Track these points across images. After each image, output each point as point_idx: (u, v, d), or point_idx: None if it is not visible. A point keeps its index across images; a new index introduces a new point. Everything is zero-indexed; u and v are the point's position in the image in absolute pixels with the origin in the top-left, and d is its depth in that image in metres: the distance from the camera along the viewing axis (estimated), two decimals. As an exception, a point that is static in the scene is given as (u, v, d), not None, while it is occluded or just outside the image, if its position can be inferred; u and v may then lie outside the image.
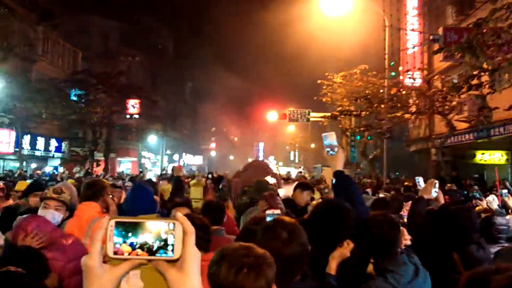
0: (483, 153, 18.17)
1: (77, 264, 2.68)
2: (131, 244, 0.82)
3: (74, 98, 22.88)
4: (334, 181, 2.69)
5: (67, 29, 18.87)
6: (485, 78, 9.73)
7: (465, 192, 11.28)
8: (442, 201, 3.84)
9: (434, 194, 3.82)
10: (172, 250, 0.83)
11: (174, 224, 0.84)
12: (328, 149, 2.69)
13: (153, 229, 0.82)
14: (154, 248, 0.82)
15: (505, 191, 7.57)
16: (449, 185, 11.27)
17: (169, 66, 42.21)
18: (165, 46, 42.17)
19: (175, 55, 43.21)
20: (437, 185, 3.95)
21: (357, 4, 19.14)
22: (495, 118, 13.75)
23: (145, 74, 37.20)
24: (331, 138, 2.72)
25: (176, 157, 44.65)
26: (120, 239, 0.82)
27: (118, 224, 0.83)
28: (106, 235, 0.82)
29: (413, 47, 17.87)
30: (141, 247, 0.82)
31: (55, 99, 19.64)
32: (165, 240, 0.83)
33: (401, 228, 2.31)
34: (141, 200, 3.63)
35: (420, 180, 5.98)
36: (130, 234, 0.82)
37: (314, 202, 2.16)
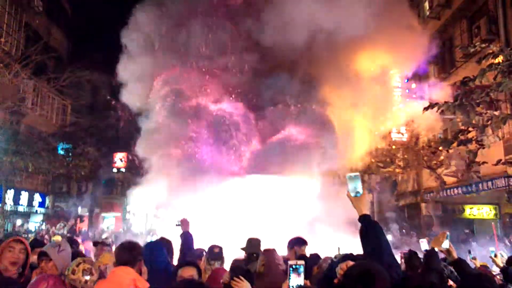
0: (471, 208, 18.22)
1: None
2: None
3: (61, 152, 22.63)
4: (360, 227, 2.55)
5: (59, 82, 18.99)
6: (472, 134, 10.04)
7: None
8: (455, 254, 3.64)
9: (445, 246, 3.63)
10: None
11: None
12: (354, 191, 2.60)
13: None
14: None
15: (492, 248, 7.57)
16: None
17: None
18: (153, 101, 42.64)
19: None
20: (448, 236, 3.74)
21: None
22: (483, 172, 13.99)
23: (132, 128, 37.13)
24: (356, 179, 2.64)
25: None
26: None
27: None
28: None
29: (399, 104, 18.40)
30: None
31: (43, 153, 19.37)
32: None
33: None
34: (158, 257, 3.84)
35: (424, 241, 5.88)
36: None
37: (344, 265, 2.01)
